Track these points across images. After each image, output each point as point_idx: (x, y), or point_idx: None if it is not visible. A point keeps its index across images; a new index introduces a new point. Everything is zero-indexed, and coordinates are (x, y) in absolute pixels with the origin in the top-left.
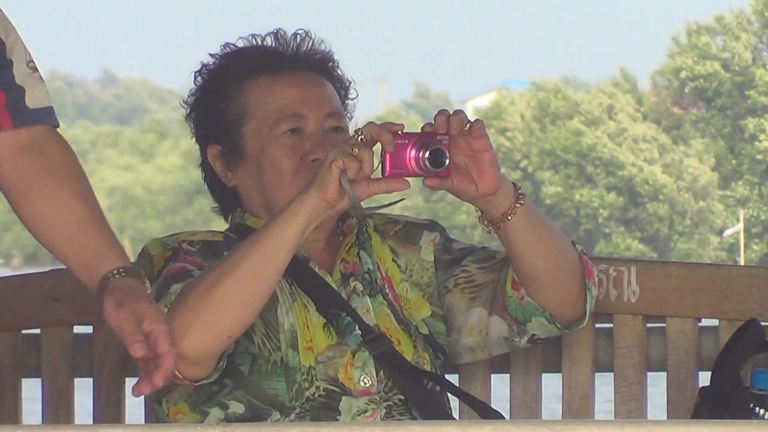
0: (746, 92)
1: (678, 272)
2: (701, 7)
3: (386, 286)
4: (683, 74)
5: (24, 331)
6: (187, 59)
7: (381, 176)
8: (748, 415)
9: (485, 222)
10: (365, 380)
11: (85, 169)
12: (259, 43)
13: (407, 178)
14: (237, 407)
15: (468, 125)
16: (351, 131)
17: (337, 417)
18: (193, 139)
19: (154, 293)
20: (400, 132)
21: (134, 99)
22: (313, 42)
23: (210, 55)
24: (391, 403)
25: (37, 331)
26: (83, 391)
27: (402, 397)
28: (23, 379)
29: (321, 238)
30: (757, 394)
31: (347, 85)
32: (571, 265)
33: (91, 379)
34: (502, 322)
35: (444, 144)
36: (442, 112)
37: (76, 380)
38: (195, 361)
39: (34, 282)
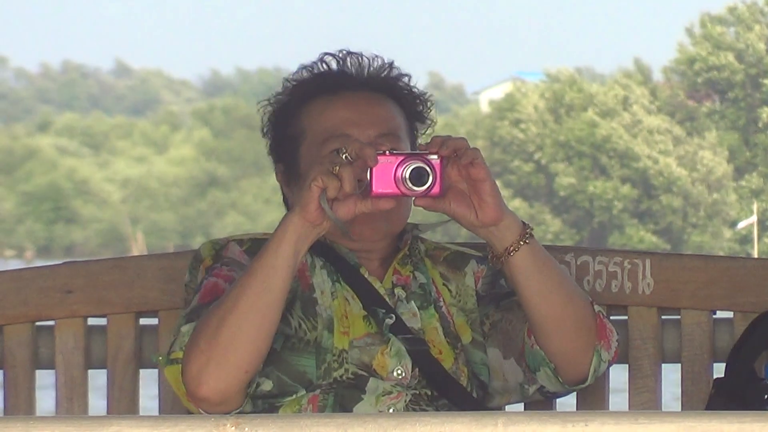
0: (761, 80)
1: (693, 264)
2: None
3: (441, 299)
4: (697, 65)
5: (38, 323)
6: (200, 50)
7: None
8: (762, 406)
9: (491, 256)
10: (399, 371)
11: (99, 161)
12: (325, 66)
13: (395, 197)
14: (266, 384)
15: (463, 152)
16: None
17: (362, 396)
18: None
19: (186, 313)
20: (387, 152)
21: (148, 90)
22: (381, 62)
23: (284, 78)
24: (418, 392)
25: (51, 323)
26: (97, 383)
27: (429, 392)
28: (37, 371)
29: (375, 258)
30: None
31: (423, 103)
32: (580, 319)
33: (104, 371)
34: (518, 368)
35: (432, 163)
36: (439, 135)
37: (90, 372)
38: (219, 402)
39: (47, 274)
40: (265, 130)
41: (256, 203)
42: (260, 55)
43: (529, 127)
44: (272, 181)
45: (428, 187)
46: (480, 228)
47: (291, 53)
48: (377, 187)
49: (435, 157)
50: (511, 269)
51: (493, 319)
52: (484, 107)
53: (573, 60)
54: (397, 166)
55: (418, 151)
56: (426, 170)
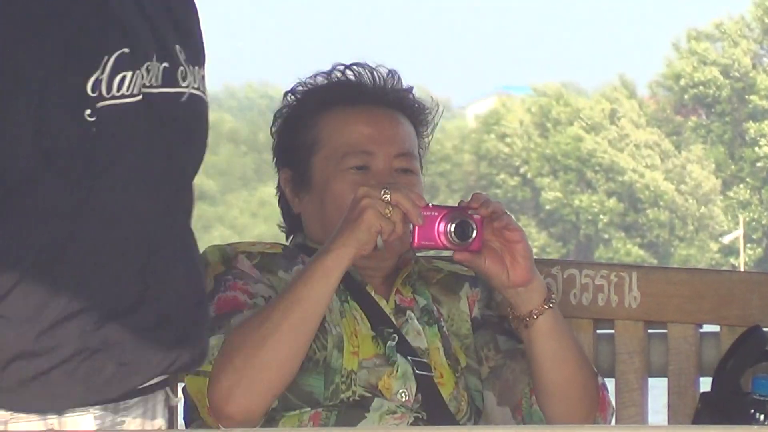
0: (747, 96)
1: (679, 278)
2: (701, 14)
3: (441, 319)
4: (683, 81)
5: None
6: None
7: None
8: (749, 420)
9: (513, 318)
10: (403, 393)
11: None
12: (342, 75)
13: (435, 249)
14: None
15: (495, 216)
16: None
17: (366, 414)
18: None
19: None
20: (430, 204)
21: None
22: (396, 79)
23: (299, 82)
24: (420, 416)
25: None
26: None
27: (426, 416)
28: None
29: (378, 276)
30: (757, 400)
31: (429, 123)
32: (585, 388)
33: None
34: (511, 419)
35: (475, 219)
36: (479, 193)
37: None
38: (242, 420)
39: None
40: (273, 134)
41: (242, 217)
42: (246, 70)
43: (514, 141)
44: (259, 195)
45: (471, 242)
46: (508, 288)
47: (277, 69)
48: (420, 239)
49: (477, 212)
50: (530, 332)
51: (495, 363)
52: (471, 121)
53: (559, 75)
54: (440, 219)
55: (459, 206)
56: (471, 225)
